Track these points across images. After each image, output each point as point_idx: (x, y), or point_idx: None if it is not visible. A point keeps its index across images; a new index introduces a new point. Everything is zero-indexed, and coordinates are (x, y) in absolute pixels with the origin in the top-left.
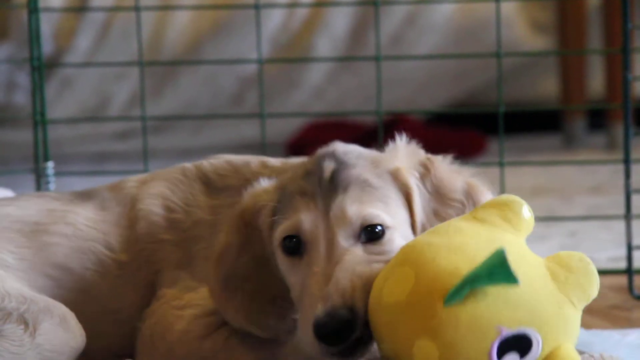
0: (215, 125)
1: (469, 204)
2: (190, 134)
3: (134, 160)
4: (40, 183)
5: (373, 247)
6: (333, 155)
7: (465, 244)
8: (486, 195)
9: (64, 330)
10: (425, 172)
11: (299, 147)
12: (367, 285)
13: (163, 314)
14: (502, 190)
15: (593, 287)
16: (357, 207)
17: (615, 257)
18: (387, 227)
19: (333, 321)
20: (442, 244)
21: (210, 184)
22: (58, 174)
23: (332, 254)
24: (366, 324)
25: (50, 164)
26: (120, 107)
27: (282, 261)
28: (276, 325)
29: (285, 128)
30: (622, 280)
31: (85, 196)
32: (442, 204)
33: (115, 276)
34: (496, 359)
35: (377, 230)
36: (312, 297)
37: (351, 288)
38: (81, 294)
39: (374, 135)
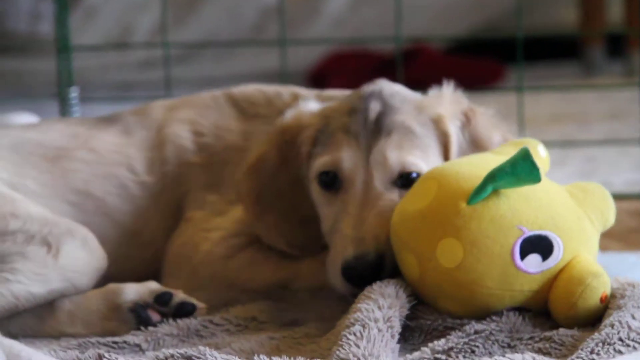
0: (237, 54)
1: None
2: (212, 64)
3: (158, 89)
4: (65, 108)
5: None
6: (380, 96)
7: (486, 160)
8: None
9: (85, 251)
10: (466, 122)
11: (320, 76)
12: None
13: (190, 235)
14: (521, 116)
15: (609, 211)
16: (397, 154)
17: (633, 181)
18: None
19: (362, 265)
20: (464, 161)
21: (241, 109)
22: (82, 99)
23: (369, 197)
24: (394, 269)
25: (74, 90)
26: (144, 37)
27: (317, 193)
28: (304, 244)
29: (305, 58)
30: (638, 204)
31: (109, 121)
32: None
33: (139, 198)
34: (519, 257)
35: (413, 176)
36: (344, 237)
37: (384, 234)
38: (104, 218)
39: (393, 64)
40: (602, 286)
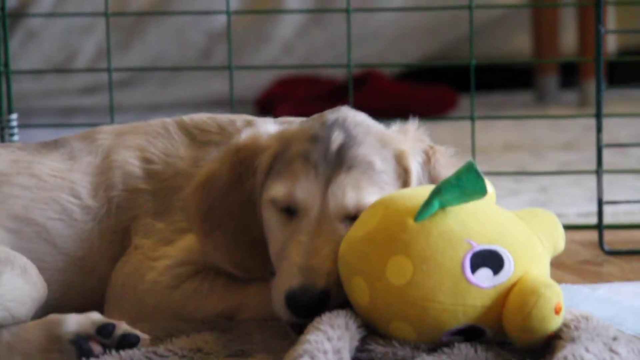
0: (183, 79)
1: None
2: (158, 89)
3: (101, 115)
4: (3, 135)
5: None
6: (343, 126)
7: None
8: None
9: (24, 281)
10: (427, 160)
11: (268, 102)
12: None
13: (136, 264)
14: (473, 145)
15: (559, 234)
16: (356, 193)
17: (586, 212)
18: None
19: (307, 296)
20: (410, 190)
21: (192, 137)
22: (22, 126)
23: (322, 228)
24: (340, 305)
25: (14, 116)
26: (87, 62)
27: (270, 214)
28: (251, 267)
29: (254, 83)
30: (593, 235)
31: (52, 146)
32: None
33: (82, 222)
34: (470, 271)
35: None
36: (292, 265)
37: (333, 268)
38: (45, 245)
39: (344, 91)
40: (556, 296)
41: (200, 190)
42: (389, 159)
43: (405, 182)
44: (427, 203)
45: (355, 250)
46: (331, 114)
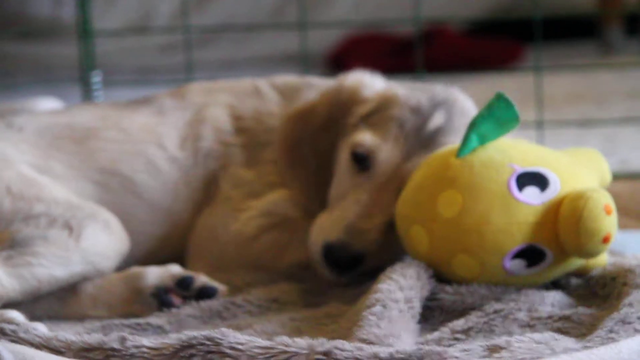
0: (256, 38)
1: None
2: (232, 47)
3: (179, 72)
4: (87, 93)
5: None
6: (449, 110)
7: None
8: None
9: (107, 234)
10: None
11: (339, 59)
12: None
13: (223, 215)
14: (540, 96)
15: (604, 166)
16: None
17: None
18: None
19: (342, 253)
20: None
21: (283, 94)
22: (105, 83)
23: (383, 196)
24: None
25: (96, 74)
26: (164, 21)
27: (346, 156)
28: (318, 211)
29: (324, 41)
30: None
31: (142, 103)
32: None
33: (167, 173)
34: (517, 190)
35: None
36: (343, 218)
37: (376, 238)
38: (131, 197)
39: (412, 45)
40: (604, 197)
41: (294, 121)
42: None
43: None
44: (465, 138)
45: (407, 201)
46: (442, 91)
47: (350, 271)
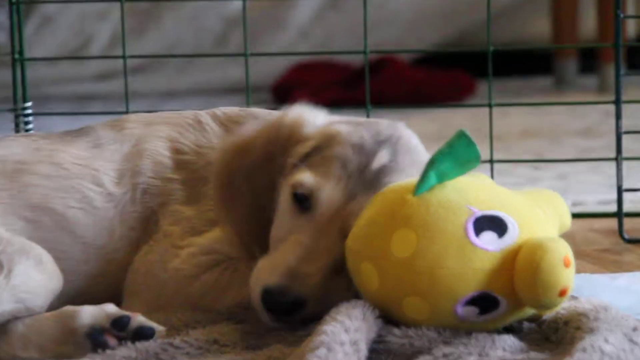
0: (199, 66)
1: None
2: (173, 75)
3: (116, 101)
4: (19, 124)
5: None
6: (393, 147)
7: None
8: None
9: (39, 271)
10: None
11: (285, 89)
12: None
13: (162, 252)
14: (491, 132)
15: (563, 209)
16: None
17: (606, 200)
18: None
19: (281, 298)
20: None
21: (225, 127)
22: (38, 114)
23: (326, 238)
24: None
25: (29, 104)
26: (102, 48)
27: (286, 196)
28: (262, 249)
29: (270, 70)
30: (613, 223)
31: (76, 134)
32: None
33: (103, 210)
34: (474, 235)
35: None
36: (283, 262)
37: (319, 283)
38: (63, 234)
39: (361, 76)
40: (563, 248)
41: (230, 155)
42: None
43: None
44: (423, 176)
45: (359, 237)
46: (387, 128)
47: (291, 316)
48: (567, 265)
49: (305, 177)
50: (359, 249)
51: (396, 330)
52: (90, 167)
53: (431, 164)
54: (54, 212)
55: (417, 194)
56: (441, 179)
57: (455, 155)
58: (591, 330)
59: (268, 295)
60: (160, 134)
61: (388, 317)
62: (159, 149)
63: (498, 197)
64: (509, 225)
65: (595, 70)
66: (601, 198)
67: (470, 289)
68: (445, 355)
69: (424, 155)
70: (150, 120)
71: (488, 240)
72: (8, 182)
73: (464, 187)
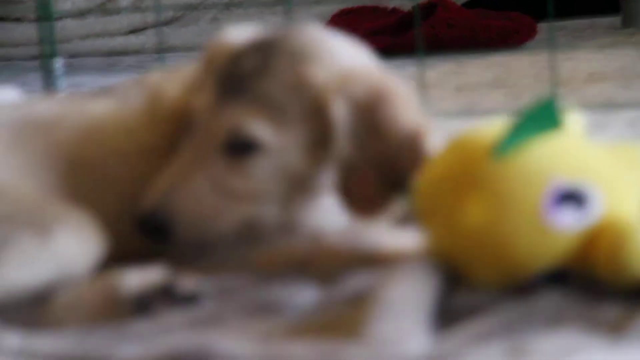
0: (236, 15)
1: (410, 152)
2: (208, 27)
3: (148, 56)
4: (48, 79)
5: (236, 162)
6: (269, 50)
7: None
8: (431, 144)
9: (79, 237)
10: (367, 105)
11: None
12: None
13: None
14: (556, 78)
15: None
16: (242, 124)
17: None
18: (264, 148)
19: (145, 226)
20: (491, 124)
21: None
22: (68, 68)
23: (201, 155)
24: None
25: (58, 60)
26: (132, 0)
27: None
28: None
29: (313, 17)
30: None
31: (105, 92)
32: (375, 143)
33: (137, 161)
34: (552, 211)
35: (248, 146)
36: (158, 182)
37: (191, 203)
38: (98, 187)
39: (411, 20)
40: None
41: None
42: (305, 102)
43: (325, 131)
44: (505, 139)
45: (430, 191)
46: (274, 32)
47: (166, 241)
48: None
49: (192, 95)
50: (429, 204)
51: (461, 289)
52: (120, 118)
53: (515, 127)
54: (90, 165)
55: (496, 157)
56: (522, 142)
57: (540, 122)
58: None
59: (139, 222)
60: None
61: (453, 274)
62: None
63: (584, 165)
64: (591, 200)
65: None
66: None
67: (541, 264)
68: (517, 313)
69: (316, 56)
70: (174, 71)
71: (566, 217)
72: (42, 136)
73: (549, 152)
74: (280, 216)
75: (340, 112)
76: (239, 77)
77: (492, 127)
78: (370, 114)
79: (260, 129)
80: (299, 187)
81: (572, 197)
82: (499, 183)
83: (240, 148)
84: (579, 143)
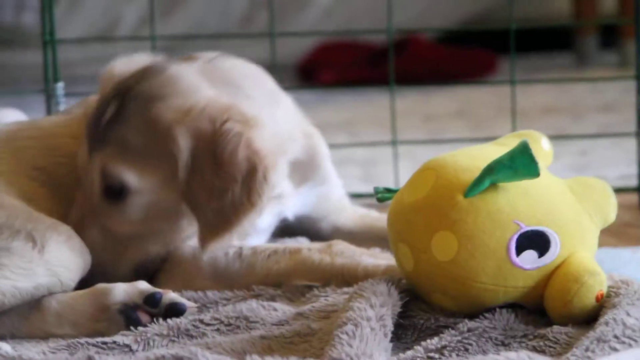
0: (225, 46)
1: (245, 183)
2: None
3: None
4: (50, 104)
5: (115, 207)
6: (122, 97)
7: (486, 152)
8: (268, 179)
9: (70, 247)
10: (211, 138)
11: (310, 68)
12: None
13: None
14: (514, 109)
15: (610, 207)
16: (110, 170)
17: (626, 175)
18: (133, 191)
19: None
20: (463, 152)
21: None
22: (68, 94)
23: (88, 205)
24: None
25: (60, 85)
26: (130, 29)
27: None
28: None
29: (295, 49)
30: (633, 198)
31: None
32: (215, 173)
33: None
34: (515, 253)
35: (120, 191)
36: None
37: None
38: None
39: (384, 55)
40: (598, 285)
41: None
42: (157, 141)
43: (173, 163)
44: (478, 181)
45: (403, 217)
46: (130, 78)
47: None
48: (598, 300)
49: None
50: (400, 230)
51: (422, 306)
52: (68, 126)
53: (489, 171)
54: (48, 171)
55: (468, 196)
56: (495, 182)
57: (515, 169)
58: (613, 305)
59: None
60: None
61: (414, 293)
62: None
63: (548, 208)
64: (552, 243)
65: (615, 46)
66: (622, 173)
67: (499, 301)
68: (470, 330)
69: (166, 96)
70: None
71: (527, 259)
72: (6, 146)
73: (516, 196)
74: (167, 247)
75: (183, 144)
76: (102, 126)
77: (462, 159)
78: (212, 146)
79: (124, 174)
80: (174, 218)
81: (534, 241)
82: (469, 223)
83: (117, 192)
84: (544, 185)
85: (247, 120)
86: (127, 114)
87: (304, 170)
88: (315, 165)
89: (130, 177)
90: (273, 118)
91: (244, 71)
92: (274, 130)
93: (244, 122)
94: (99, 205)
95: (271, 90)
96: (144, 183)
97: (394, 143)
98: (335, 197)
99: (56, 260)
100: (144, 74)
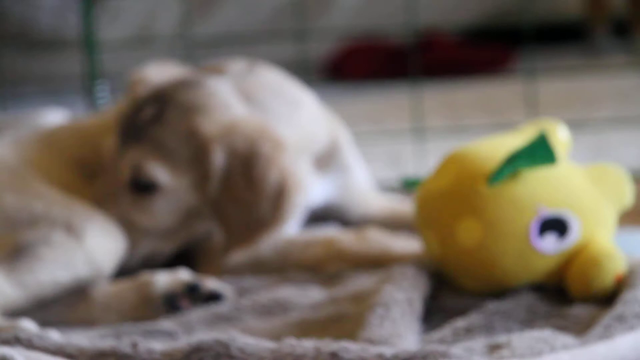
0: (254, 47)
1: (273, 202)
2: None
3: None
4: (92, 102)
5: (139, 200)
6: (163, 99)
7: (506, 142)
8: (294, 200)
9: (106, 235)
10: (246, 155)
11: (337, 67)
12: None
13: None
14: (534, 99)
15: (626, 191)
16: (142, 168)
17: None
18: (161, 188)
19: None
20: (485, 143)
21: None
22: (112, 90)
23: (111, 192)
24: None
25: (101, 83)
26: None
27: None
28: None
29: (322, 48)
30: None
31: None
32: (245, 189)
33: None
34: (536, 237)
35: (148, 186)
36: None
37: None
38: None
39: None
40: (617, 267)
41: None
42: (192, 149)
43: (204, 172)
44: (500, 169)
45: (429, 204)
46: (172, 84)
47: None
48: (618, 281)
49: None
50: (427, 217)
51: (449, 288)
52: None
53: (510, 160)
54: (84, 163)
55: (490, 184)
56: (515, 172)
57: (534, 156)
58: (633, 285)
59: None
60: None
61: (441, 277)
62: None
63: (567, 194)
64: (572, 227)
65: (628, 39)
66: (638, 160)
67: (522, 283)
68: (495, 311)
69: (205, 106)
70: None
71: (549, 242)
72: (46, 140)
73: (537, 183)
74: (175, 246)
75: (218, 160)
76: (138, 124)
77: (484, 149)
78: (245, 165)
79: (157, 171)
80: (192, 219)
81: (554, 225)
82: (492, 210)
83: (143, 187)
84: (562, 173)
85: (277, 141)
86: (166, 118)
87: (326, 161)
88: (337, 155)
89: (162, 174)
90: (297, 123)
91: (268, 84)
92: (298, 134)
93: (275, 143)
94: (122, 196)
95: (294, 97)
96: (173, 183)
97: (417, 130)
98: (360, 184)
99: (94, 248)
100: (184, 84)
